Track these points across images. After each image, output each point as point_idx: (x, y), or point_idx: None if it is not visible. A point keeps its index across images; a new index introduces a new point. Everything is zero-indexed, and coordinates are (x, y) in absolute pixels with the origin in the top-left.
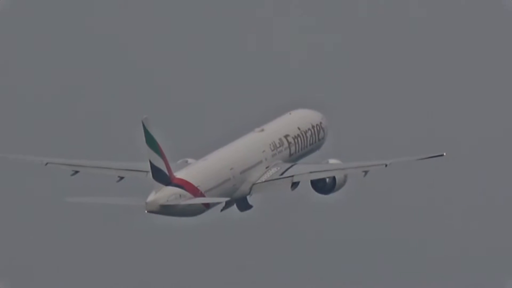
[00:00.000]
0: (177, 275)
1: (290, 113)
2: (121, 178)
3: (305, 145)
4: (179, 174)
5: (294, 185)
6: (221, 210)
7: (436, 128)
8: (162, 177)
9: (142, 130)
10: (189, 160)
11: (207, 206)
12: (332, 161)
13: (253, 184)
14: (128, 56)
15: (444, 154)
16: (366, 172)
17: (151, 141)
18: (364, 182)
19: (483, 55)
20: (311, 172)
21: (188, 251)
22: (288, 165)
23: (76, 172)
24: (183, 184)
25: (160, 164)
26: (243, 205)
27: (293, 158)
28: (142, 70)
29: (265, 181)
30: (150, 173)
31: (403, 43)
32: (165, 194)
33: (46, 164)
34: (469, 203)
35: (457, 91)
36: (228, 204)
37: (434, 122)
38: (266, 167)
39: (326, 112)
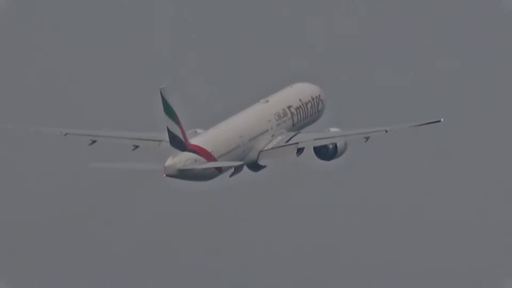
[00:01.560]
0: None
1: (291, 86)
2: (136, 147)
3: (306, 116)
4: (193, 141)
5: (299, 151)
6: (230, 176)
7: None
8: (179, 143)
9: (160, 99)
10: (198, 130)
11: (220, 170)
12: (333, 129)
13: (261, 151)
14: (144, 26)
15: (442, 120)
16: (367, 138)
17: (168, 110)
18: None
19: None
20: (315, 139)
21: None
22: (292, 133)
23: (94, 141)
24: (197, 150)
25: (177, 131)
26: (256, 166)
27: (296, 128)
28: (157, 40)
29: (272, 148)
30: (163, 142)
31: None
32: (181, 159)
33: (66, 134)
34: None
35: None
36: (236, 170)
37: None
38: (272, 136)
39: (324, 85)
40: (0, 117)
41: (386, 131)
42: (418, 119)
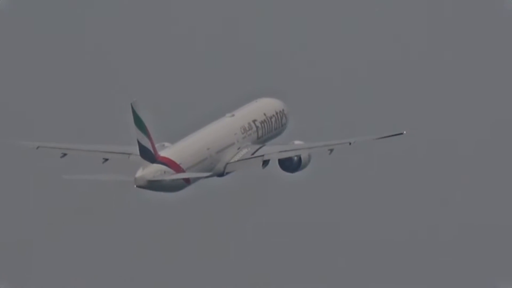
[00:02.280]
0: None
1: (256, 101)
2: (106, 159)
3: (270, 129)
4: (163, 153)
5: (265, 163)
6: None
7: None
8: (149, 155)
9: (131, 112)
10: (166, 144)
11: (188, 181)
12: (297, 142)
13: (227, 163)
14: (113, 40)
15: (404, 132)
16: (331, 150)
17: (139, 122)
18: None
19: (482, 54)
20: (280, 152)
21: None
22: (258, 146)
23: (65, 154)
24: (167, 162)
25: (147, 144)
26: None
27: (261, 141)
28: (125, 53)
29: (238, 160)
30: (133, 155)
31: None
32: (151, 170)
33: (38, 147)
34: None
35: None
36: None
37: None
38: (238, 148)
39: (287, 100)
40: None
41: (350, 143)
42: (381, 132)
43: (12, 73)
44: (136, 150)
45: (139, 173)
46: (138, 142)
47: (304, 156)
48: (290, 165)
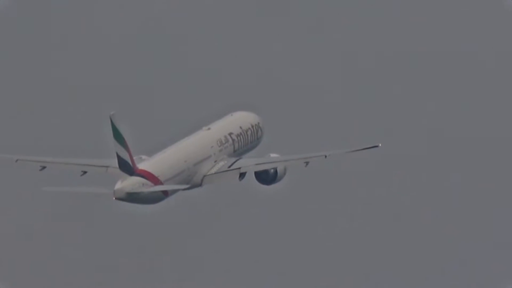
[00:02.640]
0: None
1: (231, 114)
2: (84, 172)
3: (247, 142)
4: (141, 166)
5: (242, 176)
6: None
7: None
8: (127, 168)
9: (110, 125)
10: (143, 157)
11: (166, 194)
12: (273, 155)
13: (205, 176)
14: (90, 52)
15: (380, 145)
16: (307, 163)
17: (117, 135)
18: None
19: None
20: (256, 164)
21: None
22: (234, 159)
23: (44, 167)
24: (145, 175)
25: (126, 156)
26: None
27: (237, 154)
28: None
29: (215, 173)
30: (110, 168)
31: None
32: (130, 183)
33: (17, 161)
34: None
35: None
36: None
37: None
38: (215, 161)
39: (261, 113)
40: None
41: (326, 156)
42: (354, 145)
43: None
44: (114, 162)
45: (118, 185)
46: (117, 154)
47: (280, 168)
48: (266, 177)
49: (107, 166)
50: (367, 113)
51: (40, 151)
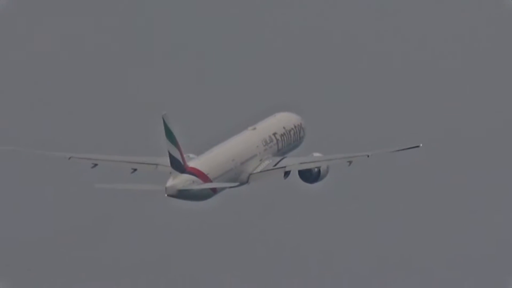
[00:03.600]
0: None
1: (275, 115)
2: (135, 170)
3: (289, 142)
4: (191, 164)
5: (286, 174)
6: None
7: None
8: (178, 165)
9: (162, 125)
10: (191, 155)
11: (215, 191)
12: (316, 154)
13: (251, 174)
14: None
15: (420, 145)
16: (350, 162)
17: (169, 135)
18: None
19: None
20: (301, 163)
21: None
22: (279, 158)
23: (96, 165)
24: (195, 172)
25: (177, 154)
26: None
27: (280, 153)
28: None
29: (261, 171)
30: (160, 166)
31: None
32: (181, 180)
33: (70, 158)
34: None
35: (454, 89)
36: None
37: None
38: (260, 160)
39: (304, 114)
40: (11, 141)
41: (368, 156)
42: (396, 144)
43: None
44: (163, 160)
45: (170, 182)
46: (169, 153)
47: (323, 167)
48: (309, 176)
49: (156, 164)
50: (411, 112)
51: (92, 149)
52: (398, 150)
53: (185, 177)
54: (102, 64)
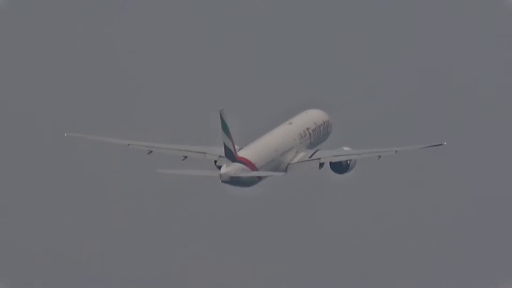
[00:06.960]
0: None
1: (306, 112)
2: (185, 157)
3: (319, 136)
4: (240, 154)
5: (321, 165)
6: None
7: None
8: (230, 155)
9: (219, 118)
10: (236, 146)
11: (259, 179)
12: (345, 148)
13: (289, 164)
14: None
15: (445, 143)
16: (379, 156)
17: (225, 127)
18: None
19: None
20: (334, 156)
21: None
22: (312, 150)
23: (151, 151)
24: (244, 161)
25: (230, 145)
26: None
27: (312, 146)
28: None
29: (298, 162)
30: (208, 154)
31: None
32: (233, 168)
33: (128, 145)
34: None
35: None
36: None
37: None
38: (296, 152)
39: (330, 111)
40: (77, 128)
41: (396, 151)
42: (420, 141)
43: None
44: (210, 149)
45: (223, 170)
46: (224, 143)
47: (352, 161)
48: (340, 167)
49: (204, 153)
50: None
51: (148, 137)
52: (424, 147)
53: (236, 165)
54: (159, 59)
